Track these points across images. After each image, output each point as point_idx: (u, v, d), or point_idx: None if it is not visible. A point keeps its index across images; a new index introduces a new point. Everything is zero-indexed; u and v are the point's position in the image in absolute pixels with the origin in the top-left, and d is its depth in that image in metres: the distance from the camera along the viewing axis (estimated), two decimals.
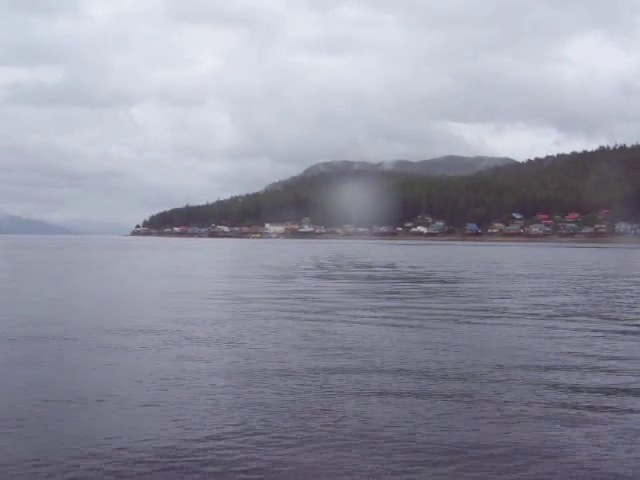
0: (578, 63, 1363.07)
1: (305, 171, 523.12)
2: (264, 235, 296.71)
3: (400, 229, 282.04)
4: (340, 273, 38.19)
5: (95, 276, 31.88)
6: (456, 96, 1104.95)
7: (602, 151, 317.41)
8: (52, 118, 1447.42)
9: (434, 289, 26.65)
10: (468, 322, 15.71)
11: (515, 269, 44.13)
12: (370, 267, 45.48)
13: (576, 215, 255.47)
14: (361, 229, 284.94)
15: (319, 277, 33.44)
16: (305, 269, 40.85)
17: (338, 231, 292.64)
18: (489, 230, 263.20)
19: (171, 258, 59.15)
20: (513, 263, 55.75)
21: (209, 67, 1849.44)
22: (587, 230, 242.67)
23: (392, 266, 46.13)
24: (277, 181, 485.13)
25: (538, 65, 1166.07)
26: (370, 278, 34.10)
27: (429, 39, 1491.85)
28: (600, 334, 13.90)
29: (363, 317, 16.39)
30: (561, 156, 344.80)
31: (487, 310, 18.33)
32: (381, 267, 45.15)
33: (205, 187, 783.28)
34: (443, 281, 31.61)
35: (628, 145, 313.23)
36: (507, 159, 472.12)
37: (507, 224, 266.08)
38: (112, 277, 31.27)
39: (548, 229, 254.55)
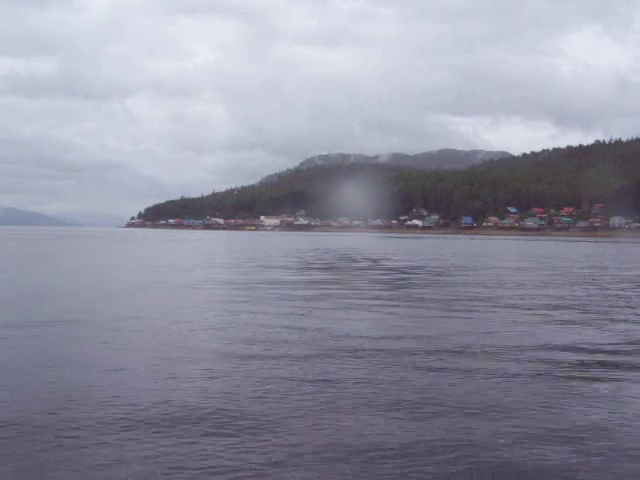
0: (574, 57, 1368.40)
1: (301, 163, 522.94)
2: (259, 227, 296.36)
3: (395, 222, 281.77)
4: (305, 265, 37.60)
5: (54, 270, 30.86)
6: (452, 89, 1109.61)
7: (598, 145, 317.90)
8: (47, 109, 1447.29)
9: (387, 280, 26.08)
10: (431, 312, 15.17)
11: (501, 263, 43.59)
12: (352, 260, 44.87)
13: (571, 209, 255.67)
14: (356, 222, 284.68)
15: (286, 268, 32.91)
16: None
17: (333, 224, 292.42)
18: (484, 224, 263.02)
19: (150, 250, 58.34)
20: (502, 256, 55.20)
21: (205, 59, 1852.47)
22: (582, 224, 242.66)
23: (374, 261, 45.51)
24: (273, 173, 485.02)
25: (534, 59, 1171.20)
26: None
27: (425, 32, 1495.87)
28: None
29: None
30: (557, 150, 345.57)
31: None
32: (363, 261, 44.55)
33: (201, 179, 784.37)
34: (402, 272, 31.00)
35: (624, 139, 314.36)
36: (503, 152, 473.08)
37: (502, 218, 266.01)
38: (71, 271, 30.33)
39: (543, 223, 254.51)
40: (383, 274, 30.56)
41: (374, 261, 42.68)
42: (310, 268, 33.89)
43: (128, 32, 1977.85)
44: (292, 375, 8.93)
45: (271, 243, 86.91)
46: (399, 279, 27.78)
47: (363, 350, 10.74)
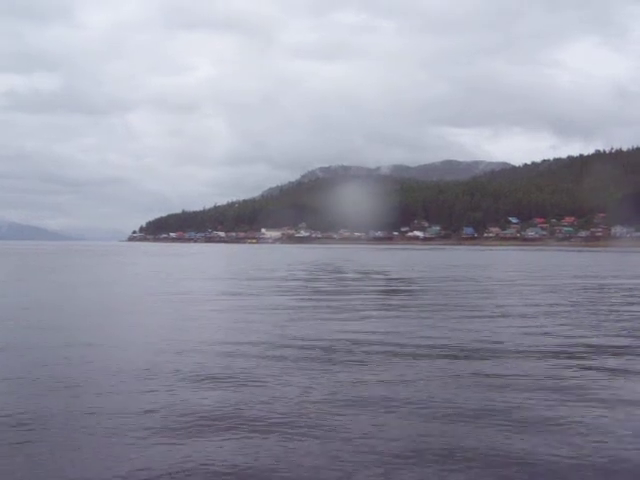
0: (574, 67, 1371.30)
1: (302, 176, 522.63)
2: (260, 240, 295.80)
3: (396, 234, 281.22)
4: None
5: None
6: (453, 101, 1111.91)
7: (598, 155, 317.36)
8: (49, 125, 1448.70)
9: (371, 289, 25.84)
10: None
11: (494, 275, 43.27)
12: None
13: (572, 219, 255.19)
14: (357, 234, 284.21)
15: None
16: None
17: (334, 236, 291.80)
18: (485, 234, 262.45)
19: (139, 265, 58.18)
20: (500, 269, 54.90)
21: (205, 74, 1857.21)
22: (583, 234, 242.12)
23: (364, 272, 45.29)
24: (274, 186, 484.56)
25: (534, 70, 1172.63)
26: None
27: (426, 45, 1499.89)
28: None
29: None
30: (557, 160, 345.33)
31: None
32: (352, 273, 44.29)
33: (202, 193, 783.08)
34: (392, 287, 30.72)
35: (624, 149, 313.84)
36: (504, 163, 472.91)
37: (503, 228, 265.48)
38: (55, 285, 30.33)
39: (544, 233, 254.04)
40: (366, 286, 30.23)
41: (364, 274, 42.37)
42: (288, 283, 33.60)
43: (129, 48, 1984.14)
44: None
45: (265, 257, 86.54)
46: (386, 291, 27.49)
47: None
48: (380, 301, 23.02)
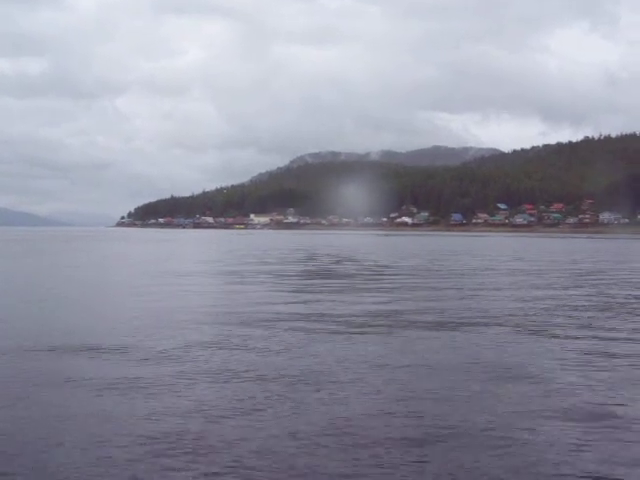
0: (562, 53, 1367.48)
1: (291, 161, 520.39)
2: (248, 226, 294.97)
3: (385, 220, 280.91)
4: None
5: None
6: (441, 86, 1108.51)
7: (587, 141, 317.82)
8: (37, 109, 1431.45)
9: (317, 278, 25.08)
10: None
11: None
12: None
13: (561, 205, 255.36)
14: (346, 220, 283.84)
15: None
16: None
17: (323, 222, 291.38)
18: (474, 220, 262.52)
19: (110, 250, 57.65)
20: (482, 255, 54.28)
21: (195, 57, 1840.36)
22: (571, 220, 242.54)
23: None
24: (263, 172, 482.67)
25: (522, 55, 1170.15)
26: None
27: (413, 29, 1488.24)
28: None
29: None
30: (546, 146, 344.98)
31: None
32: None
33: (192, 178, 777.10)
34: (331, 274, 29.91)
35: (613, 135, 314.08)
36: (493, 149, 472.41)
37: (492, 214, 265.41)
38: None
39: (533, 219, 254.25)
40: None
41: (337, 262, 41.65)
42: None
43: (117, 31, 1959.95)
44: None
45: (244, 242, 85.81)
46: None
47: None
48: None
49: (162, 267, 32.34)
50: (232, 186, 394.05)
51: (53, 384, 8.68)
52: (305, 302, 18.12)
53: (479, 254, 53.52)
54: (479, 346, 11.51)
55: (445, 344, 11.79)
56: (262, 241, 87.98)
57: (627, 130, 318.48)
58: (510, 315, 15.66)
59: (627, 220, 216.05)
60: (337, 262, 40.30)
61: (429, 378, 9.21)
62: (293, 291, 21.38)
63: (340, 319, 14.71)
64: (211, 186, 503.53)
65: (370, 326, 14.15)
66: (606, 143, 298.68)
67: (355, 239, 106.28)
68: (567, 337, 12.59)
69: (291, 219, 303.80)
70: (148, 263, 37.25)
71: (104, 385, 8.51)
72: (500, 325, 14.04)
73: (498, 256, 50.33)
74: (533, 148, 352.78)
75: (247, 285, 23.90)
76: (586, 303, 18.28)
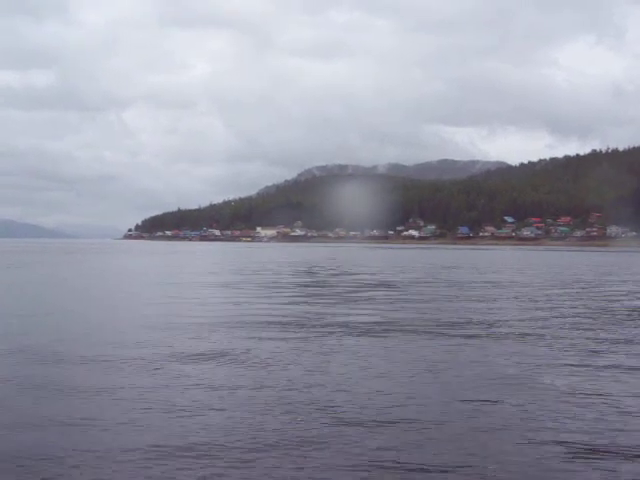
0: (569, 67, 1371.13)
1: (299, 175, 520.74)
2: (255, 239, 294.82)
3: (392, 233, 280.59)
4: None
5: None
6: (448, 100, 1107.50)
7: (594, 154, 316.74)
8: (44, 122, 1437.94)
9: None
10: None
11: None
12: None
13: (568, 218, 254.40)
14: (353, 233, 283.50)
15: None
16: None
17: (330, 235, 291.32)
18: (480, 234, 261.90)
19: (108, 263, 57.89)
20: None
21: (201, 71, 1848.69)
22: (579, 233, 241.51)
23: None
24: (270, 185, 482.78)
25: (529, 69, 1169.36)
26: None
27: (421, 44, 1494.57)
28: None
29: None
30: (553, 159, 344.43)
31: None
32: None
33: (198, 191, 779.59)
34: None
35: (620, 148, 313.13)
36: (500, 162, 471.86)
37: (499, 227, 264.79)
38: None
39: (539, 232, 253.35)
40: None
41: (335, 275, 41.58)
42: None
43: (124, 45, 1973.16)
44: None
45: (247, 256, 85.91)
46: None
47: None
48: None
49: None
50: (239, 199, 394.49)
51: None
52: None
53: (480, 268, 53.30)
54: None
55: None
56: (265, 255, 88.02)
57: (635, 143, 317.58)
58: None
59: (635, 233, 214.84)
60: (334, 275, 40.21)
61: None
62: (286, 303, 21.39)
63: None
64: (218, 199, 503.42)
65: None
66: (613, 156, 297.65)
67: (361, 252, 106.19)
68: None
69: (298, 232, 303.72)
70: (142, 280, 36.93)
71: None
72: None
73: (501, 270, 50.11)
74: (540, 161, 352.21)
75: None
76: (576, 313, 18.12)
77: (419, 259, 72.26)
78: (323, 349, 12.30)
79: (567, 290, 27.89)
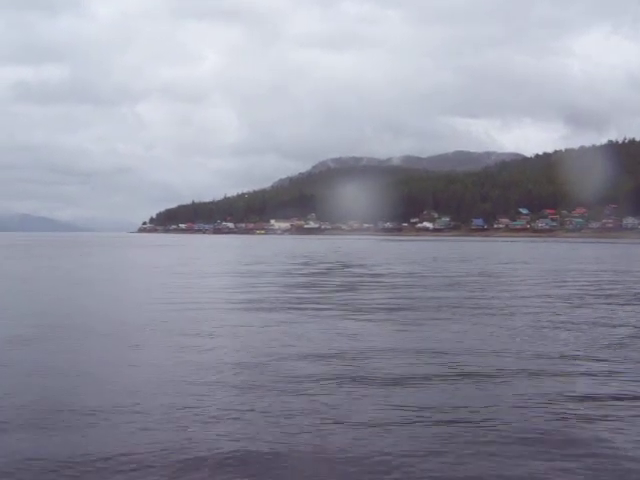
0: (584, 56, 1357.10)
1: (313, 167, 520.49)
2: (269, 231, 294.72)
3: (405, 225, 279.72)
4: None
5: None
6: (463, 91, 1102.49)
7: (611, 145, 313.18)
8: (57, 116, 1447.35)
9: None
10: None
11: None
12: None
13: (583, 210, 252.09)
14: (366, 225, 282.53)
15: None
16: None
17: (343, 227, 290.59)
18: (495, 225, 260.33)
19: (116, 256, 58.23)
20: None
21: (214, 64, 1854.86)
22: (594, 225, 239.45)
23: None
24: (284, 177, 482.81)
25: (543, 59, 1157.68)
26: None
27: (433, 34, 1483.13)
28: None
29: None
30: (569, 150, 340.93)
31: None
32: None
33: (213, 184, 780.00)
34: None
35: (637, 139, 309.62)
36: (515, 154, 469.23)
37: (513, 219, 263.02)
38: None
39: (554, 224, 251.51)
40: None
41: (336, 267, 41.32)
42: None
43: (137, 38, 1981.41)
44: None
45: (257, 248, 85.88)
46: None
47: None
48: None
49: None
50: (253, 191, 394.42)
51: None
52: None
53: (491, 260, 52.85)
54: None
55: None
56: (276, 247, 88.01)
57: None
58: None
59: None
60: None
61: None
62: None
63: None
64: (232, 192, 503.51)
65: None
66: (630, 147, 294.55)
67: (373, 245, 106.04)
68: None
69: (312, 224, 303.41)
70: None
71: None
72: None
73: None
74: (556, 152, 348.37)
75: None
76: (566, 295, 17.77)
77: (438, 251, 71.83)
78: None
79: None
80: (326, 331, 13.45)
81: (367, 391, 8.50)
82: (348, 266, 39.80)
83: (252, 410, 7.47)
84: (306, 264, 41.70)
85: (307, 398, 8.06)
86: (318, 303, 18.92)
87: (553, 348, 11.53)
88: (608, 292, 22.81)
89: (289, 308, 17.56)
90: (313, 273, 31.76)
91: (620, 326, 14.56)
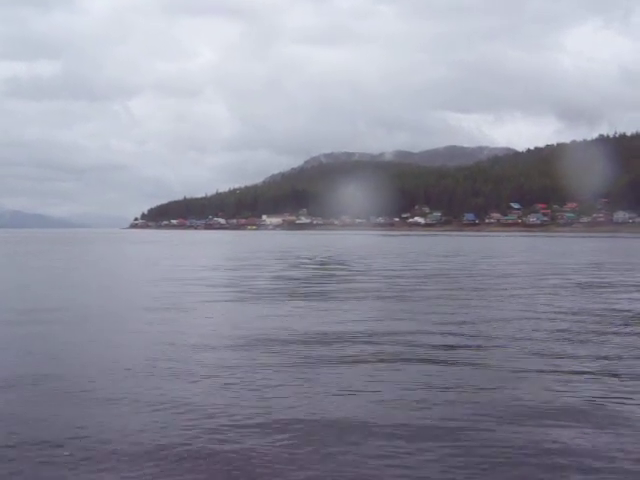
0: (576, 51, 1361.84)
1: (305, 162, 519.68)
2: (260, 227, 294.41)
3: (397, 220, 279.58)
4: None
5: None
6: (455, 86, 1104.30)
7: (602, 140, 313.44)
8: (51, 111, 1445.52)
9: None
10: None
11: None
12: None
13: (574, 204, 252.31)
14: (358, 220, 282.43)
15: None
16: None
17: (335, 222, 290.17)
18: (486, 220, 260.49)
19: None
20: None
21: (207, 59, 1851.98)
22: (585, 219, 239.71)
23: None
24: (276, 173, 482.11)
25: (536, 54, 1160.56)
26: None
27: (427, 29, 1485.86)
28: None
29: None
30: (561, 145, 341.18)
31: None
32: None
33: (205, 179, 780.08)
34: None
35: (628, 133, 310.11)
36: (507, 149, 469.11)
37: (505, 214, 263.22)
38: None
39: (546, 219, 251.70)
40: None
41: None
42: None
43: (130, 33, 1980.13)
44: None
45: (244, 244, 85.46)
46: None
47: None
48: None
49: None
50: (245, 187, 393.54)
51: None
52: None
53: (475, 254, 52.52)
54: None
55: None
56: (263, 243, 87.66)
57: None
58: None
59: None
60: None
61: None
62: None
63: None
64: (224, 187, 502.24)
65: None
66: (621, 141, 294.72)
67: (362, 240, 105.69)
68: None
69: (303, 220, 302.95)
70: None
71: None
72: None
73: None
74: (547, 147, 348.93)
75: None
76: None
77: (422, 247, 71.46)
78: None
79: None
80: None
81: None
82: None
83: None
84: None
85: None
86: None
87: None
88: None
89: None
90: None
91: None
